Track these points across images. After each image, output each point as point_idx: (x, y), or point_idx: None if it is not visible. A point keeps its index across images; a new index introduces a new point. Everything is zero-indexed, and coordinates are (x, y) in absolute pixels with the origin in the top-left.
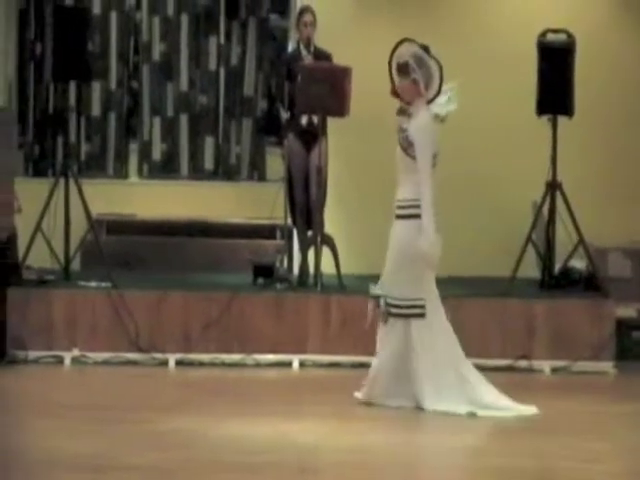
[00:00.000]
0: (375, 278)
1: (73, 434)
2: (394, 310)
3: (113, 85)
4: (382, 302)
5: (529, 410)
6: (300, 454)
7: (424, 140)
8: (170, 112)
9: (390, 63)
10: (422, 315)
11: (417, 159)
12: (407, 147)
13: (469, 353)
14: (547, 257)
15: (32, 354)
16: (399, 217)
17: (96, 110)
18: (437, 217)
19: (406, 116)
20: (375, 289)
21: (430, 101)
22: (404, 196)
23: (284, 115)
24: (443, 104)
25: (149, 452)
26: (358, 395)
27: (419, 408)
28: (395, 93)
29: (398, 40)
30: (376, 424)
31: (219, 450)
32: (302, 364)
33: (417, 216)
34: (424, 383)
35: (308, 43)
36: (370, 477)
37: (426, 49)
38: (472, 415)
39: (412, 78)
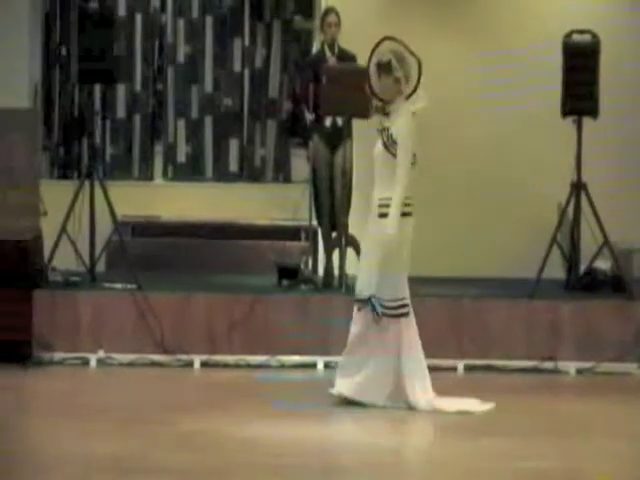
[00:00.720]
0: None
1: (99, 436)
2: (387, 311)
3: (138, 87)
4: (376, 303)
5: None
6: (326, 456)
7: (408, 139)
8: (195, 114)
9: (369, 62)
10: (408, 314)
11: (398, 157)
12: (391, 145)
13: (494, 354)
14: (572, 258)
15: (57, 356)
16: (384, 215)
17: (121, 112)
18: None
19: (384, 114)
20: (363, 291)
21: (407, 97)
22: (388, 195)
23: (309, 117)
24: (415, 101)
25: (175, 454)
26: (340, 391)
27: (412, 409)
28: (372, 92)
29: (380, 38)
30: (399, 425)
31: (245, 452)
32: (327, 365)
33: (402, 214)
34: (415, 383)
35: (332, 44)
36: (397, 478)
37: (405, 46)
38: (465, 413)
39: (394, 76)
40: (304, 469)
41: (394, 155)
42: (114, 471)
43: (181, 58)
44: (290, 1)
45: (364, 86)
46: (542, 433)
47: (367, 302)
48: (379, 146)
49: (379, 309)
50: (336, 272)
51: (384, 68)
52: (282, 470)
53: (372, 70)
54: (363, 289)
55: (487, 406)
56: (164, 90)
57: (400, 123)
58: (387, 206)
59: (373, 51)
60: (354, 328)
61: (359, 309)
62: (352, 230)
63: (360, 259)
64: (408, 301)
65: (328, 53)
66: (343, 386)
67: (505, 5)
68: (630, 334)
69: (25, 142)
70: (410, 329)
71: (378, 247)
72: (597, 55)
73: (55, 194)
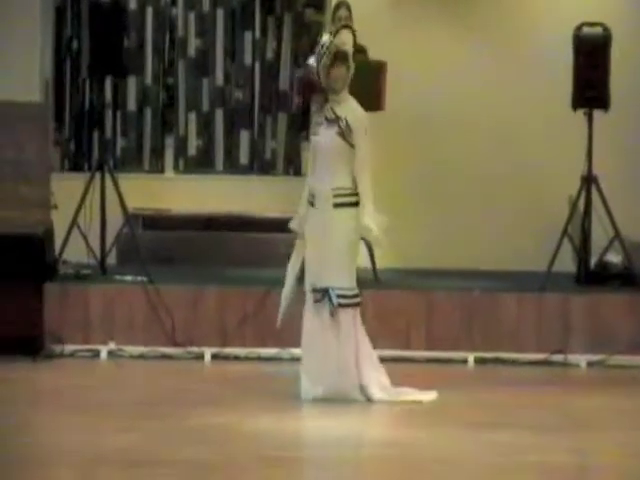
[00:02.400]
0: (410, 272)
1: (109, 428)
2: (344, 300)
3: (149, 80)
4: (333, 295)
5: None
6: (338, 448)
7: (364, 128)
8: (206, 107)
9: (324, 50)
10: (360, 303)
11: (358, 146)
12: (348, 135)
13: (504, 347)
14: (583, 251)
15: (68, 348)
16: (340, 205)
17: (132, 105)
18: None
19: (327, 104)
20: (317, 283)
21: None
22: (342, 184)
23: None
24: None
25: (186, 447)
26: (313, 394)
27: (369, 400)
28: (322, 80)
29: (339, 26)
30: (403, 418)
31: (256, 445)
32: None
33: (356, 204)
34: (371, 374)
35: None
36: (404, 473)
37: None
38: (417, 402)
39: (347, 66)
40: (318, 461)
41: (350, 144)
42: (124, 463)
43: (192, 51)
44: None
45: (377, 79)
46: (551, 426)
47: (324, 294)
48: (332, 136)
49: (336, 301)
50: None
51: (342, 57)
52: (293, 464)
53: (327, 59)
54: (316, 281)
55: (432, 395)
56: (175, 83)
57: (357, 113)
58: (342, 195)
59: (333, 38)
60: (310, 323)
61: (316, 301)
62: None
63: (309, 249)
64: (358, 290)
65: None
66: (314, 389)
67: None
68: None
69: (36, 135)
70: (360, 319)
71: (339, 237)
72: (608, 48)
73: (66, 187)
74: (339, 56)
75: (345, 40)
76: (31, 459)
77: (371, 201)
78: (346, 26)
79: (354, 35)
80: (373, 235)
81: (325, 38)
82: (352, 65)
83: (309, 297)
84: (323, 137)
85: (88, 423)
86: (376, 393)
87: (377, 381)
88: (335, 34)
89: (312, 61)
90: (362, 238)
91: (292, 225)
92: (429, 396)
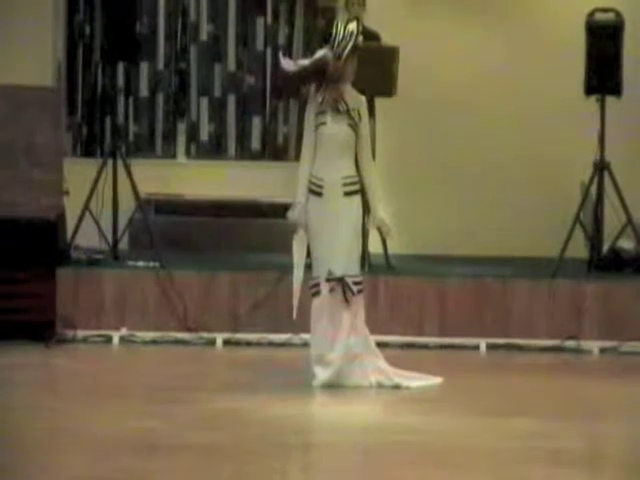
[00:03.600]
0: (422, 258)
1: (122, 413)
2: (358, 287)
3: (161, 66)
4: (350, 281)
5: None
6: (354, 434)
7: (367, 117)
8: (218, 93)
9: (336, 36)
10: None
11: (362, 136)
12: (356, 125)
13: (517, 333)
14: (595, 238)
15: (81, 333)
16: (350, 194)
17: (144, 91)
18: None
19: (325, 93)
20: (337, 271)
21: None
22: (350, 173)
23: None
24: None
25: (200, 431)
26: (324, 380)
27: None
28: (338, 73)
29: (351, 17)
30: (416, 404)
31: (269, 430)
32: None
33: (361, 192)
34: (378, 361)
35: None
36: (418, 458)
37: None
38: (397, 387)
39: (354, 59)
40: (330, 446)
41: (356, 133)
42: (138, 448)
43: (204, 37)
44: None
45: (389, 64)
46: (563, 413)
47: (339, 282)
48: (343, 127)
49: (355, 288)
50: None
51: (355, 51)
52: (305, 448)
53: (347, 51)
54: (331, 269)
55: (437, 380)
56: (187, 69)
57: (362, 100)
58: (351, 184)
59: (345, 27)
60: (326, 311)
61: (332, 289)
62: None
63: (317, 239)
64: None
65: None
66: (326, 374)
67: None
68: None
69: (48, 120)
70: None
71: (350, 225)
72: (621, 33)
73: (78, 172)
74: (355, 50)
75: (355, 32)
76: (45, 444)
77: (380, 191)
78: (356, 18)
79: (361, 25)
80: (387, 227)
81: (349, 27)
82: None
83: (324, 286)
84: (332, 128)
85: (101, 408)
86: (378, 378)
87: (375, 366)
88: (346, 25)
89: (323, 52)
90: (377, 228)
91: (292, 216)
92: (433, 381)
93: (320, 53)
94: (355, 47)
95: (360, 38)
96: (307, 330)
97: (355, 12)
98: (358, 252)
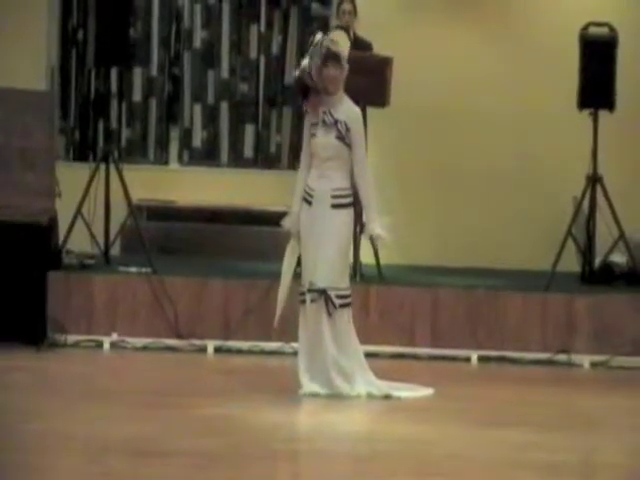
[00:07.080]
0: (415, 269)
1: (113, 419)
2: (342, 301)
3: (154, 71)
4: (332, 295)
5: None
6: (344, 443)
7: (362, 128)
8: (211, 99)
9: (312, 49)
10: (350, 304)
11: (356, 147)
12: (346, 137)
13: (508, 346)
14: (587, 251)
15: (71, 338)
16: (339, 206)
17: (137, 96)
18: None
19: (321, 106)
20: (318, 282)
21: None
22: (341, 185)
23: None
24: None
25: (190, 438)
26: (312, 390)
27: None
28: (315, 82)
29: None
30: (410, 414)
31: (259, 437)
32: None
33: (352, 204)
34: (365, 371)
35: (348, 32)
36: (421, 467)
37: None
38: (387, 397)
39: (340, 67)
40: (321, 455)
41: (347, 145)
42: (128, 454)
43: (198, 43)
44: None
45: (382, 74)
46: (555, 425)
47: (322, 294)
48: (331, 140)
49: (337, 302)
50: (351, 260)
51: (333, 57)
52: (295, 456)
53: (317, 59)
54: (313, 280)
55: (429, 391)
56: (180, 75)
57: (354, 114)
58: (341, 197)
59: (323, 38)
60: (306, 322)
61: (313, 300)
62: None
63: (304, 248)
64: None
65: None
66: (313, 384)
67: None
68: None
69: (42, 124)
70: (351, 316)
71: (336, 238)
72: (614, 48)
73: (71, 176)
74: (330, 56)
75: (337, 40)
76: (38, 448)
77: (375, 202)
78: (339, 27)
79: (350, 35)
80: (382, 240)
81: (317, 37)
82: (346, 66)
83: (307, 296)
84: (321, 140)
85: (92, 413)
86: (368, 389)
87: (365, 379)
88: (326, 34)
89: (305, 62)
90: (369, 239)
91: (286, 224)
92: (424, 392)
93: (303, 63)
94: (327, 57)
95: (338, 47)
96: (297, 339)
97: (346, 21)
98: (343, 265)
